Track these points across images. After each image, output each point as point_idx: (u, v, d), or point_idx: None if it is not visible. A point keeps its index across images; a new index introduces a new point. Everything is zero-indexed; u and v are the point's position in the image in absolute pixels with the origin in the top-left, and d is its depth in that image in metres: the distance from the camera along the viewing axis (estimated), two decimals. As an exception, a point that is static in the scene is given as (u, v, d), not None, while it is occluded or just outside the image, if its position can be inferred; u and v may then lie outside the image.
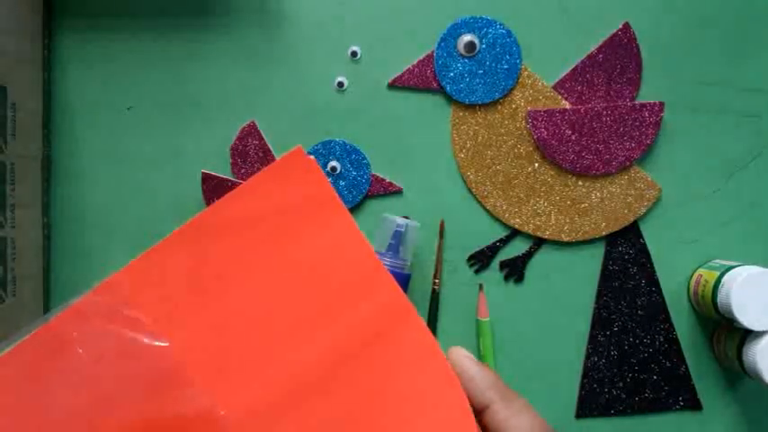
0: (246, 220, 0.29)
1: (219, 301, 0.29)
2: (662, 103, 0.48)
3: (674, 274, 0.49)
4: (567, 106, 0.48)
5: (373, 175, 0.49)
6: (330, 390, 0.28)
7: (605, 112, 0.48)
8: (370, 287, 0.29)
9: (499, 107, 0.49)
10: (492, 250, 0.49)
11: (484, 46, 0.48)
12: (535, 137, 0.48)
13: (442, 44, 0.48)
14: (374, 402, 0.28)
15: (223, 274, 0.29)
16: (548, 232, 0.49)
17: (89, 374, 0.27)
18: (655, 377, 0.48)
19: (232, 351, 0.28)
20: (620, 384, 0.48)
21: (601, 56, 0.48)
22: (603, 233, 0.48)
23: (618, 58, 0.48)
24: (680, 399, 0.48)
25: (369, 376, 0.28)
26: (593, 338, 0.49)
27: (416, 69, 0.49)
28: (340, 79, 0.49)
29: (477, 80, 0.48)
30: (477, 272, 0.49)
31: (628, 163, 0.48)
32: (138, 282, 0.28)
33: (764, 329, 0.42)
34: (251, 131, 0.50)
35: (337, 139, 0.49)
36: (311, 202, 0.29)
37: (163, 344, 0.28)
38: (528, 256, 0.49)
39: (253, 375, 0.28)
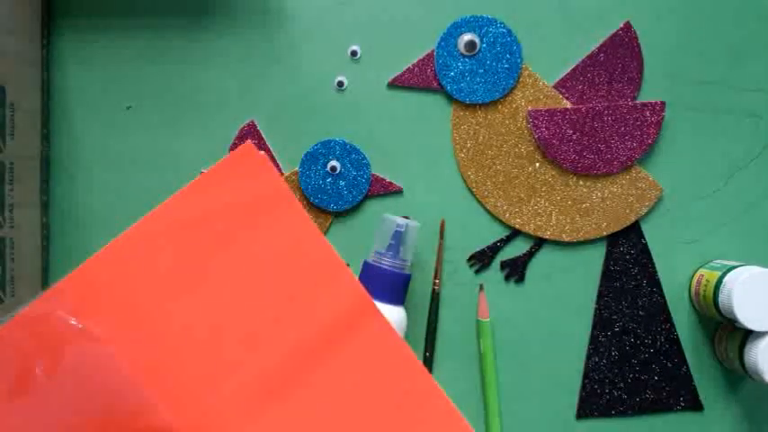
0: (196, 219, 0.27)
1: (171, 307, 0.27)
2: (663, 103, 0.47)
3: (676, 274, 0.49)
4: (568, 106, 0.48)
5: (373, 175, 0.49)
6: (293, 395, 0.26)
7: (606, 112, 0.48)
8: (328, 285, 0.28)
9: (500, 107, 0.48)
10: (492, 250, 0.49)
11: (484, 45, 0.48)
12: (536, 136, 0.48)
13: (443, 43, 0.48)
14: (341, 403, 0.27)
15: (173, 278, 0.27)
16: (548, 232, 0.49)
17: (40, 387, 0.26)
18: (656, 377, 0.48)
19: (186, 360, 0.27)
20: (621, 385, 0.48)
21: (602, 55, 0.48)
22: (605, 233, 0.48)
23: (619, 57, 0.48)
24: (681, 399, 0.48)
25: (332, 377, 0.27)
26: (594, 339, 0.49)
27: (416, 69, 0.49)
28: (340, 79, 0.49)
29: (478, 79, 0.48)
30: (477, 272, 0.49)
31: (629, 162, 0.48)
32: (84, 289, 0.26)
33: (766, 330, 0.42)
34: (250, 131, 0.49)
35: (337, 139, 0.49)
36: (263, 199, 0.28)
37: (113, 355, 0.26)
38: (529, 256, 0.49)
39: (209, 386, 0.26)
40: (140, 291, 0.27)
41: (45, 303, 0.26)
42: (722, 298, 0.43)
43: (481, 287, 0.49)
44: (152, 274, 0.27)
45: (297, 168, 0.49)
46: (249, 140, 0.28)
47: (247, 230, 0.28)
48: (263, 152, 0.29)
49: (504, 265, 0.49)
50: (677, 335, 0.48)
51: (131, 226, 0.27)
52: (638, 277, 0.49)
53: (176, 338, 0.27)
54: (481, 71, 0.48)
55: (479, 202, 0.49)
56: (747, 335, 0.44)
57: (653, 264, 0.48)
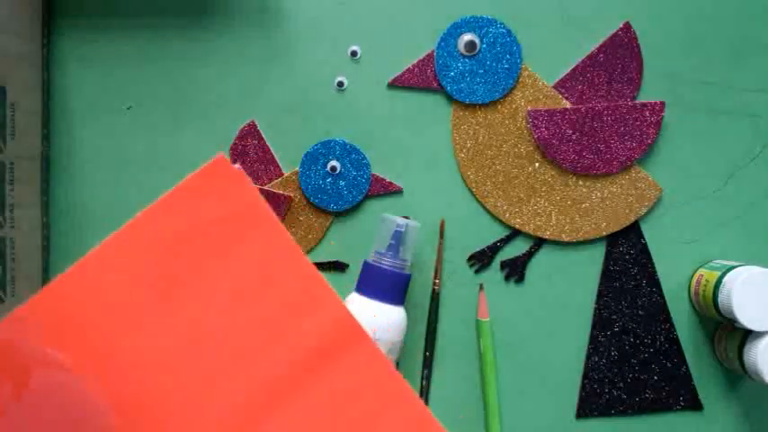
0: (166, 239, 0.25)
1: (141, 331, 0.25)
2: (663, 103, 0.47)
3: (675, 274, 0.49)
4: (568, 106, 0.48)
5: (373, 175, 0.49)
6: (273, 424, 0.24)
7: (606, 112, 0.48)
8: (311, 305, 0.26)
9: (499, 107, 0.48)
10: (492, 250, 0.49)
11: (484, 45, 0.48)
12: (536, 136, 0.48)
13: (443, 43, 0.48)
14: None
15: (143, 301, 0.25)
16: (548, 232, 0.49)
17: (3, 414, 0.24)
18: (655, 377, 0.48)
19: (157, 388, 0.25)
20: (621, 384, 0.48)
21: (601, 55, 0.48)
22: (604, 233, 0.48)
23: (618, 57, 0.48)
24: (680, 399, 0.48)
25: (316, 405, 0.25)
26: (593, 338, 0.49)
27: (416, 69, 0.49)
28: (340, 79, 0.49)
29: (478, 80, 0.48)
30: (477, 272, 0.49)
31: (629, 163, 0.48)
32: (49, 312, 0.25)
33: (765, 330, 0.42)
34: (251, 131, 0.49)
35: (337, 139, 0.49)
36: (240, 216, 0.26)
37: (80, 382, 0.24)
38: (528, 256, 0.49)
39: (181, 415, 0.24)
40: (108, 314, 0.25)
41: (9, 327, 0.25)
42: (722, 298, 0.43)
43: (481, 287, 0.49)
44: (120, 297, 0.25)
45: (297, 168, 0.49)
46: (222, 153, 0.26)
47: (222, 249, 0.26)
48: (238, 165, 0.27)
49: (503, 265, 0.49)
50: (677, 335, 0.48)
51: (96, 246, 0.25)
52: (638, 277, 0.49)
53: (146, 365, 0.25)
54: (481, 71, 0.48)
55: (479, 202, 0.49)
56: (747, 335, 0.44)
57: (652, 264, 0.49)
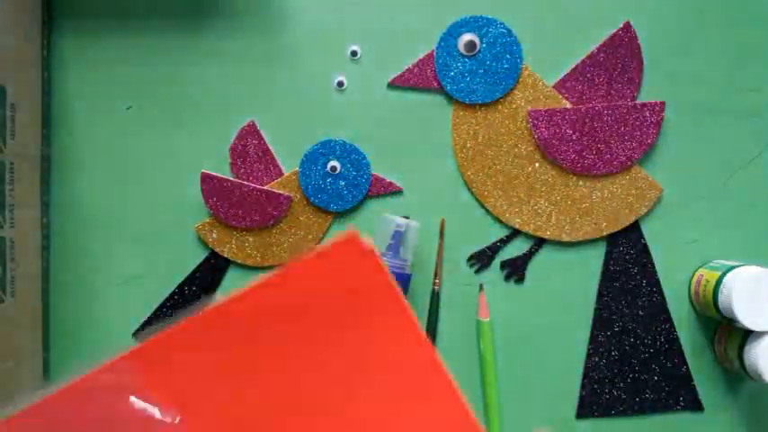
0: (289, 305, 0.26)
1: (247, 393, 0.25)
2: (663, 103, 0.47)
3: (675, 274, 0.49)
4: (568, 106, 0.48)
5: (373, 175, 0.49)
6: None
7: (606, 112, 0.48)
8: (426, 392, 0.26)
9: (499, 107, 0.48)
10: (492, 250, 0.49)
11: (484, 45, 0.48)
12: (536, 136, 0.48)
13: (443, 43, 0.48)
14: None
15: (254, 363, 0.25)
16: (548, 232, 0.49)
17: None
18: (655, 378, 0.48)
19: None
20: (621, 385, 0.48)
21: (602, 55, 0.48)
22: (604, 233, 0.48)
23: (619, 57, 0.48)
24: (681, 399, 0.48)
25: None
26: (593, 339, 0.49)
27: (416, 69, 0.49)
28: (340, 79, 0.49)
29: (478, 79, 0.48)
30: (477, 272, 0.49)
31: (629, 163, 0.48)
32: (150, 365, 0.25)
33: (765, 330, 0.42)
34: (250, 131, 0.49)
35: (337, 139, 0.49)
36: (367, 293, 0.26)
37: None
38: (529, 256, 0.49)
39: None
40: (214, 372, 0.26)
41: (105, 375, 0.25)
42: (722, 298, 0.43)
43: (481, 287, 0.49)
44: (230, 357, 0.26)
45: (297, 168, 0.49)
46: (354, 230, 0.26)
47: (345, 322, 0.26)
48: (370, 244, 0.27)
49: (504, 265, 0.49)
50: (677, 335, 0.48)
51: (217, 302, 0.26)
52: (638, 277, 0.49)
53: (249, 424, 0.25)
54: (481, 71, 0.48)
55: (479, 202, 0.49)
56: (747, 335, 0.44)
57: (653, 264, 0.48)
